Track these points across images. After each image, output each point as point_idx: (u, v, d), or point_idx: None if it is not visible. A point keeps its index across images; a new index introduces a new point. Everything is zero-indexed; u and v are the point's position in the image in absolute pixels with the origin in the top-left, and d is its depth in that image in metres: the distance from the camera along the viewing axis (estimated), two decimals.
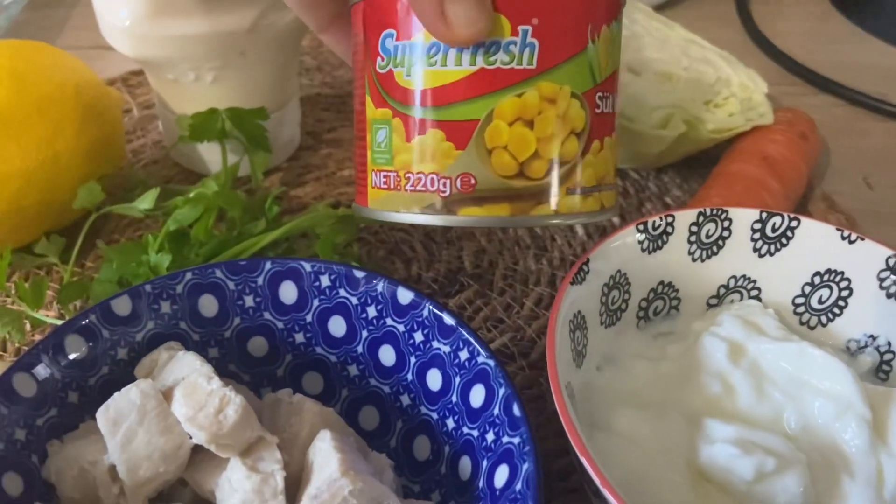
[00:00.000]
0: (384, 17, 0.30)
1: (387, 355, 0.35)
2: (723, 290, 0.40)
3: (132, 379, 0.31)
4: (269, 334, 0.36)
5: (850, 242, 0.37)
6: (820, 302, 0.38)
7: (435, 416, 0.34)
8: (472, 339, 0.32)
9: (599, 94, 0.31)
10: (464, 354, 0.33)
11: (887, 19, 0.75)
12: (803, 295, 0.39)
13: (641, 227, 0.37)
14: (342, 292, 0.35)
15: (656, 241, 0.38)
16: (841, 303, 0.38)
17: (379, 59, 0.31)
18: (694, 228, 0.38)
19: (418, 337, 0.34)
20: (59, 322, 0.37)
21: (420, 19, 0.29)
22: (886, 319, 0.37)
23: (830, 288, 0.38)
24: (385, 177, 0.31)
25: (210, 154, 0.53)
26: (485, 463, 0.31)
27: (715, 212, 0.38)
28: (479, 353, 0.32)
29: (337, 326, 0.36)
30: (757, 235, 0.38)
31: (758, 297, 0.40)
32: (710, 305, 0.40)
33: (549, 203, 0.30)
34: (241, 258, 0.42)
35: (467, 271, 0.48)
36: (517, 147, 0.29)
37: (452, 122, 0.29)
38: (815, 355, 0.34)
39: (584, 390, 0.35)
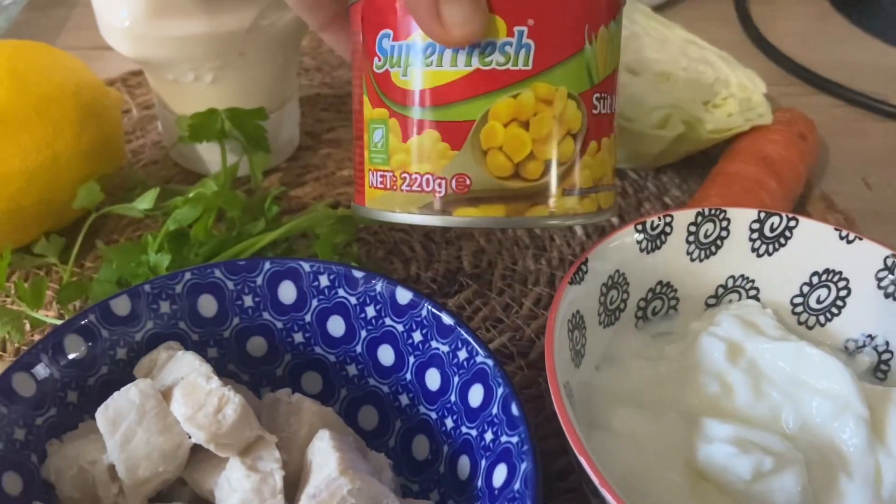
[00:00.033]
0: (382, 17, 0.30)
1: (386, 355, 0.35)
2: (721, 290, 0.40)
3: (131, 378, 0.31)
4: (269, 334, 0.36)
5: (849, 242, 0.37)
6: (818, 302, 0.39)
7: (434, 415, 0.34)
8: (470, 339, 0.32)
9: (597, 94, 0.31)
10: (462, 354, 0.33)
11: (886, 19, 0.76)
12: (801, 295, 0.39)
13: (640, 227, 0.37)
14: (341, 292, 0.35)
15: (655, 241, 0.38)
16: (839, 302, 0.38)
17: (376, 58, 0.31)
18: (692, 228, 0.38)
19: (417, 337, 0.34)
20: (59, 322, 0.37)
21: (415, 19, 0.29)
22: (884, 319, 0.37)
23: (828, 288, 0.38)
24: (382, 176, 0.31)
25: (209, 154, 0.53)
26: (483, 462, 0.31)
27: (713, 212, 0.38)
28: (477, 353, 0.32)
29: (336, 326, 0.36)
30: (755, 235, 0.38)
31: (756, 297, 0.40)
32: (708, 305, 0.40)
33: (544, 204, 0.30)
34: (240, 258, 0.42)
35: (466, 271, 0.48)
36: (512, 148, 0.29)
37: (448, 122, 0.29)
38: (813, 355, 0.34)
39: (582, 390, 0.35)
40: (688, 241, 0.38)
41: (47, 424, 0.31)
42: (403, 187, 0.31)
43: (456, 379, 0.33)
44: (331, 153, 0.58)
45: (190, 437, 0.29)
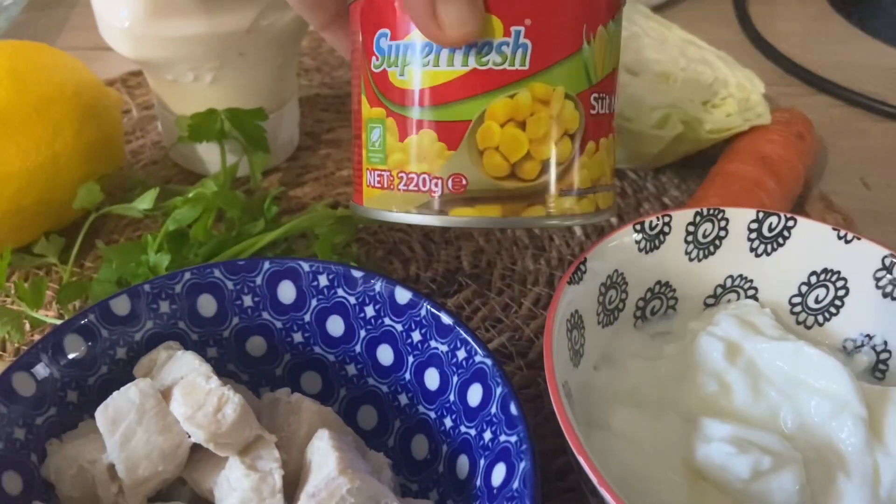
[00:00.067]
0: (380, 16, 0.30)
1: (385, 355, 0.35)
2: (720, 290, 0.40)
3: (131, 378, 0.31)
4: (268, 334, 0.36)
5: (847, 242, 0.37)
6: (816, 301, 0.39)
7: (433, 415, 0.34)
8: (469, 339, 0.32)
9: (595, 95, 0.31)
10: (461, 354, 0.33)
11: (885, 20, 0.76)
12: (800, 294, 0.39)
13: (638, 226, 0.37)
14: (340, 292, 0.35)
15: (653, 240, 0.38)
16: (837, 302, 0.38)
17: (374, 58, 0.31)
18: (691, 228, 0.38)
19: (416, 336, 0.34)
20: (59, 322, 0.38)
21: (412, 19, 0.29)
22: (883, 319, 0.37)
23: (827, 287, 0.38)
24: (379, 176, 0.31)
25: (209, 154, 0.53)
26: (482, 462, 0.31)
27: (712, 211, 0.38)
28: (476, 353, 0.32)
29: (335, 326, 0.36)
30: (754, 235, 0.38)
31: (754, 297, 0.40)
32: (707, 305, 0.40)
33: (541, 204, 0.30)
34: (239, 258, 0.42)
35: (465, 271, 0.48)
36: (509, 148, 0.29)
37: (445, 122, 0.29)
38: (811, 354, 0.34)
39: (581, 389, 0.35)
40: (686, 241, 0.38)
41: (47, 424, 0.31)
42: (400, 187, 0.31)
43: (455, 378, 0.33)
44: (330, 153, 0.58)
45: (189, 437, 0.29)
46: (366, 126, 0.32)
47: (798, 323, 0.39)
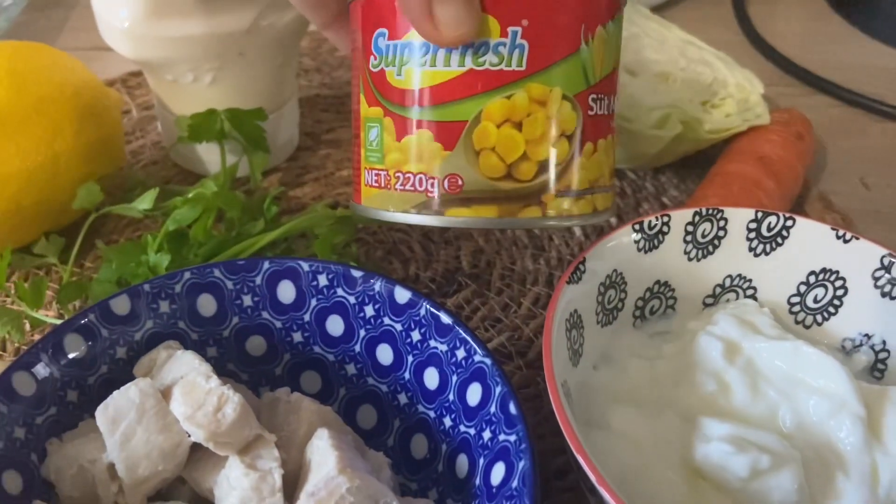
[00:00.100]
0: (378, 16, 0.30)
1: (384, 354, 0.36)
2: (718, 290, 0.40)
3: (131, 378, 0.31)
4: (268, 333, 0.36)
5: (845, 242, 0.37)
6: (815, 301, 0.39)
7: (432, 414, 0.34)
8: (468, 338, 0.32)
9: (593, 95, 0.30)
10: (461, 353, 0.33)
11: (884, 20, 0.76)
12: (799, 294, 0.39)
13: (637, 226, 0.37)
14: (340, 292, 0.35)
15: (652, 240, 0.38)
16: (836, 302, 0.38)
17: (372, 57, 0.31)
18: (690, 228, 0.38)
19: (416, 336, 0.34)
20: (59, 322, 0.38)
21: (408, 19, 0.29)
22: (881, 318, 0.37)
23: (825, 287, 0.38)
24: (377, 175, 0.31)
25: (209, 154, 0.53)
26: (481, 461, 0.31)
27: (710, 211, 0.38)
28: (475, 352, 0.32)
29: (335, 325, 0.36)
30: (752, 235, 0.39)
31: (753, 297, 0.40)
32: (705, 305, 0.40)
33: (537, 205, 0.30)
34: (239, 258, 0.42)
35: (465, 271, 0.49)
36: (505, 149, 0.29)
37: (441, 122, 0.29)
38: (809, 354, 0.34)
39: (580, 389, 0.35)
40: (685, 241, 0.39)
41: (47, 423, 0.31)
42: (397, 186, 0.31)
43: (454, 378, 0.33)
44: (330, 154, 0.58)
45: (189, 436, 0.30)
46: (364, 125, 0.32)
47: (797, 322, 0.39)
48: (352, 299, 0.35)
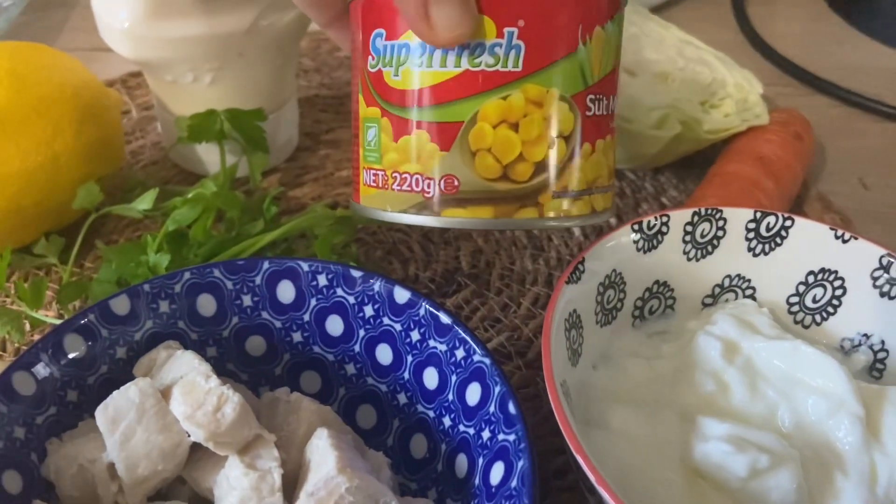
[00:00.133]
0: (377, 16, 0.30)
1: (384, 354, 0.36)
2: (717, 290, 0.40)
3: (131, 378, 0.31)
4: (267, 333, 0.36)
5: (844, 242, 0.37)
6: (814, 301, 0.39)
7: (431, 414, 0.34)
8: (468, 338, 0.32)
9: (591, 96, 0.30)
10: (460, 353, 0.33)
11: (883, 20, 0.76)
12: (797, 294, 0.39)
13: (636, 226, 0.37)
14: (339, 292, 0.36)
15: (651, 240, 0.38)
16: (835, 302, 0.38)
17: (370, 57, 0.31)
18: (689, 228, 0.38)
19: (415, 336, 0.34)
20: (59, 322, 0.38)
21: (405, 19, 0.29)
22: (880, 318, 0.37)
23: (824, 287, 0.38)
24: (374, 175, 0.32)
25: (208, 155, 0.53)
26: (481, 460, 0.31)
27: (709, 211, 0.38)
28: (474, 352, 0.32)
29: (334, 325, 0.36)
30: (751, 235, 0.39)
31: (752, 297, 0.40)
32: (704, 304, 0.40)
33: (534, 206, 0.30)
34: (239, 258, 0.42)
35: (464, 271, 0.49)
36: (501, 150, 0.29)
37: (437, 123, 0.29)
38: (808, 353, 0.34)
39: (579, 389, 0.35)
40: (684, 241, 0.39)
41: (47, 423, 0.31)
42: (395, 186, 0.31)
43: (454, 378, 0.33)
44: (329, 154, 0.58)
45: (189, 436, 0.30)
46: (362, 125, 0.32)
47: (796, 322, 0.39)
48: (351, 299, 0.35)
